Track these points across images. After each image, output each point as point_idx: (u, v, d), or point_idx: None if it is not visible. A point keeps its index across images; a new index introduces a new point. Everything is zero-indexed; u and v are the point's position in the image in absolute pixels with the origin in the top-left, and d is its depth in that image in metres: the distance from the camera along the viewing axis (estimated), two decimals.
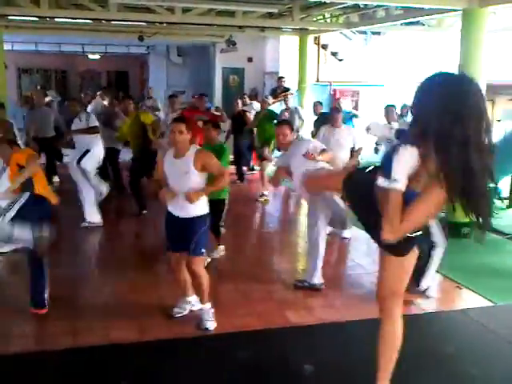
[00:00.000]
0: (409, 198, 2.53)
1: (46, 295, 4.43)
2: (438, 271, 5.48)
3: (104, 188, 7.31)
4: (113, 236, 7.13)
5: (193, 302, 4.53)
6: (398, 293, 3.02)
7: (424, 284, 4.76)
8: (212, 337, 4.15)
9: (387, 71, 14.12)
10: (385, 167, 2.55)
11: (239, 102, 10.50)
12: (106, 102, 10.49)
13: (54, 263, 4.64)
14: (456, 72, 2.55)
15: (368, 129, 6.65)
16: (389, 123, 7.71)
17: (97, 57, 16.86)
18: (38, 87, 10.86)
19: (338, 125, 7.18)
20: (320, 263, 5.07)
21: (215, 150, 5.24)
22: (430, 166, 2.45)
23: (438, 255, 4.79)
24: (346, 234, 6.64)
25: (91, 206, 6.96)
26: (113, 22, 10.63)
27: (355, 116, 10.56)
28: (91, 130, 7.08)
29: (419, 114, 2.51)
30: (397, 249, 2.81)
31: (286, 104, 10.34)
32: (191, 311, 4.51)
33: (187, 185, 4.13)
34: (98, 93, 11.75)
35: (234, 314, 4.51)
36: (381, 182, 2.55)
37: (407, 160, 2.49)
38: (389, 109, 8.24)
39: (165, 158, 4.36)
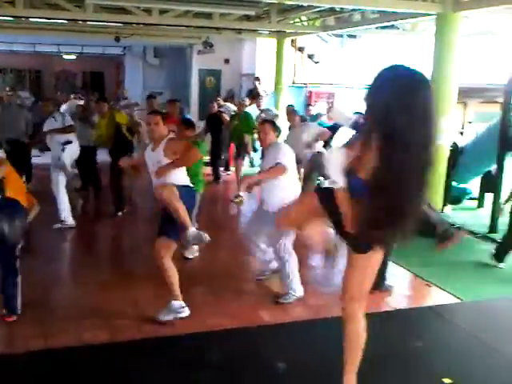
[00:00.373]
0: (354, 185, 2.60)
1: (18, 302, 4.32)
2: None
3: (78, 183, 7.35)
4: (86, 237, 7.08)
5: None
6: (364, 292, 3.07)
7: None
8: (185, 336, 4.16)
9: (362, 74, 14.30)
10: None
11: (215, 104, 10.54)
12: (81, 103, 10.43)
13: (25, 265, 4.59)
14: (411, 67, 2.52)
15: (329, 113, 6.88)
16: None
17: (72, 57, 16.72)
18: (7, 88, 10.64)
19: (295, 124, 8.02)
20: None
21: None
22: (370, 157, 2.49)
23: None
24: None
25: (66, 207, 6.94)
26: (89, 23, 10.59)
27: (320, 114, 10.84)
28: (68, 129, 7.03)
29: (369, 105, 2.54)
30: (362, 247, 2.88)
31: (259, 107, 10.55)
32: None
33: None
34: (72, 95, 11.69)
35: (207, 314, 4.52)
36: (326, 183, 2.74)
37: (336, 162, 2.61)
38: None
39: (145, 152, 4.54)
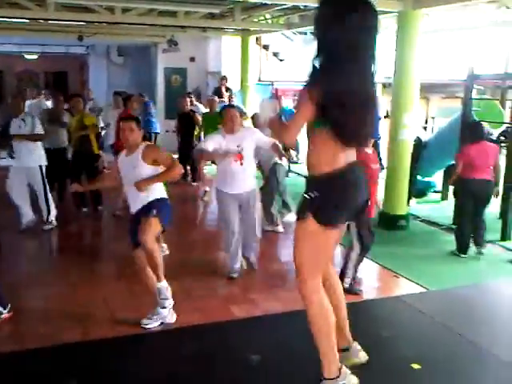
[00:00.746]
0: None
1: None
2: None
3: None
4: (57, 237, 7.04)
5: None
6: (316, 269, 3.03)
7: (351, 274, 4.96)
8: (156, 334, 4.19)
9: None
10: None
11: (187, 100, 10.26)
12: (49, 103, 10.24)
13: None
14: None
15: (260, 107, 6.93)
16: None
17: (34, 57, 16.41)
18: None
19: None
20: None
21: None
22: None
23: (352, 258, 4.96)
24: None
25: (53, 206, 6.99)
26: (51, 22, 10.41)
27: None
28: (37, 137, 6.69)
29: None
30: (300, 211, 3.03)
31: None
32: None
33: (137, 179, 4.19)
34: (43, 91, 11.45)
35: (178, 311, 4.50)
36: None
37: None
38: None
39: (119, 159, 4.47)
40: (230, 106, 6.76)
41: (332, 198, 2.93)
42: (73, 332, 4.16)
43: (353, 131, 2.91)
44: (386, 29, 10.56)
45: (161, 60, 14.01)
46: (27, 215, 6.87)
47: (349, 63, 2.82)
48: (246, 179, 5.18)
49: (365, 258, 5.27)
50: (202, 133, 9.59)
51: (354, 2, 2.84)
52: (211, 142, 5.18)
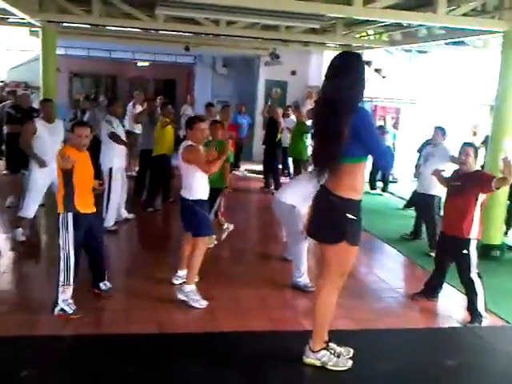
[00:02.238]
0: None
1: None
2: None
3: None
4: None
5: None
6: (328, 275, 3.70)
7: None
8: (224, 334, 4.31)
9: (431, 90, 14.06)
10: None
11: (279, 111, 10.76)
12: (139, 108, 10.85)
13: None
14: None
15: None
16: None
17: (146, 64, 17.35)
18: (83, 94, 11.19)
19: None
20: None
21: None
22: None
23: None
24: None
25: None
26: (161, 32, 10.99)
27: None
28: (122, 142, 7.20)
29: None
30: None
31: None
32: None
33: None
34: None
35: (251, 317, 4.68)
36: None
37: None
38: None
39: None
40: None
41: (354, 221, 3.50)
42: (146, 325, 4.39)
43: None
44: (496, 49, 10.12)
45: (263, 72, 14.32)
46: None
47: None
48: None
49: (450, 287, 5.23)
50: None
51: None
52: None
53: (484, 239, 6.97)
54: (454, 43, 10.23)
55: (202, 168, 4.80)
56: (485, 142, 8.71)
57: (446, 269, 5.29)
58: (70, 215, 4.43)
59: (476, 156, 5.07)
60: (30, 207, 6.38)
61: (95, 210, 4.73)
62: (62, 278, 4.39)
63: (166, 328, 4.39)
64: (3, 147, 8.78)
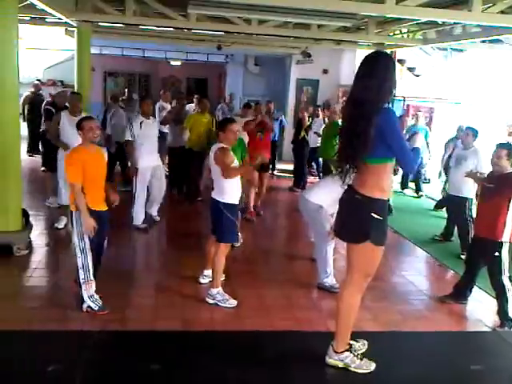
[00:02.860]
0: None
1: None
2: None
3: None
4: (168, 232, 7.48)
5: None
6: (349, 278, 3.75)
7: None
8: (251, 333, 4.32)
9: (466, 89, 13.78)
10: None
11: (305, 113, 10.92)
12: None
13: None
14: None
15: None
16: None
17: (178, 63, 17.51)
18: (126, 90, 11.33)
19: None
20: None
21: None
22: None
23: None
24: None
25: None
26: (193, 31, 11.07)
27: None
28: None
29: None
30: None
31: None
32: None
33: None
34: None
35: (277, 317, 4.70)
36: None
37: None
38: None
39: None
40: None
41: (379, 221, 3.50)
42: (172, 322, 4.43)
43: None
44: None
45: (294, 71, 14.27)
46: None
47: None
48: None
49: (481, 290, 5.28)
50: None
51: None
52: None
53: None
54: (491, 41, 10.01)
55: (223, 171, 4.76)
56: None
57: (477, 272, 5.20)
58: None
59: (510, 157, 4.95)
60: (63, 194, 6.57)
61: (107, 208, 4.67)
62: (81, 276, 4.44)
63: (191, 326, 4.43)
64: (40, 145, 8.95)
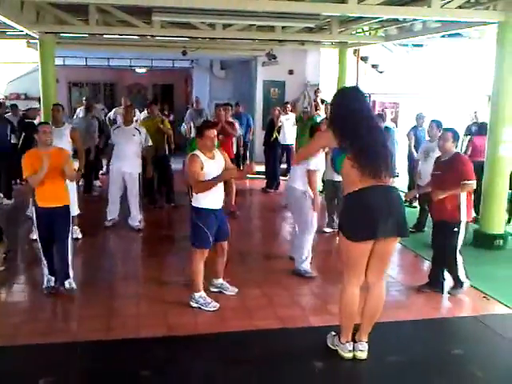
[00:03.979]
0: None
1: None
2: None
3: None
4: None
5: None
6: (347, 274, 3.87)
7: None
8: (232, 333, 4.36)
9: (428, 83, 14.09)
10: None
11: (276, 111, 10.87)
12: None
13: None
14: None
15: None
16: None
17: (143, 70, 17.43)
18: (84, 100, 11.26)
19: None
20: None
21: None
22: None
23: None
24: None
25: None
26: (157, 38, 11.05)
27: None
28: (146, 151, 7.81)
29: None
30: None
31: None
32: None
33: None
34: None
35: (259, 317, 4.76)
36: None
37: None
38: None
39: (203, 164, 4.81)
40: None
41: (350, 216, 3.74)
42: (156, 329, 4.45)
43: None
44: (493, 39, 10.16)
45: (260, 73, 14.36)
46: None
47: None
48: None
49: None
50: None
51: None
52: None
53: (486, 228, 7.05)
54: (450, 35, 10.27)
55: (190, 180, 4.84)
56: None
57: (444, 255, 5.37)
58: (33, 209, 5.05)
59: (454, 140, 5.28)
60: None
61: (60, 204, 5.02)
62: None
63: (175, 331, 4.44)
64: None
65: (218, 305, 4.90)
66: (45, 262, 5.11)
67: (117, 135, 7.57)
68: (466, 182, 5.04)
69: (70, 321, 4.66)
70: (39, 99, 10.84)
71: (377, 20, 9.43)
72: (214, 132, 4.91)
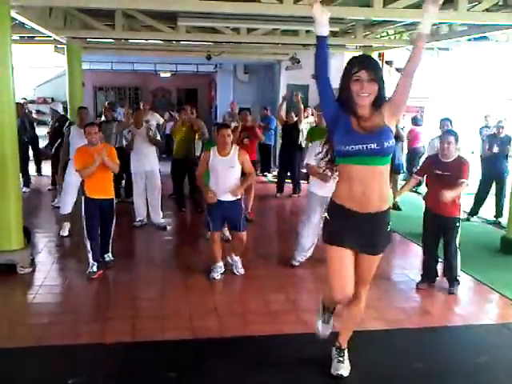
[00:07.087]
0: None
1: None
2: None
3: None
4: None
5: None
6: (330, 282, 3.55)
7: None
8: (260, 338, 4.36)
9: (454, 86, 13.95)
10: None
11: (292, 114, 10.90)
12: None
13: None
14: None
15: None
16: None
17: (168, 75, 17.58)
18: (106, 103, 11.41)
19: None
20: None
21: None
22: None
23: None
24: None
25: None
26: (182, 42, 11.14)
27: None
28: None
29: None
30: None
31: None
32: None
33: (232, 176, 5.52)
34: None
35: (285, 322, 4.74)
36: None
37: None
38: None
39: (210, 158, 5.49)
40: None
41: (329, 221, 3.45)
42: (181, 331, 4.47)
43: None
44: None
45: (284, 77, 14.36)
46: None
47: None
48: None
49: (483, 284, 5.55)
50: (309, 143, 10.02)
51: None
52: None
53: (510, 234, 6.94)
54: (476, 39, 10.14)
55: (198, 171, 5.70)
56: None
57: (437, 247, 5.61)
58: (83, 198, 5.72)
59: (457, 143, 5.34)
60: (66, 204, 7.25)
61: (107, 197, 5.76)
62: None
63: (200, 334, 4.46)
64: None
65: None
66: (89, 248, 5.68)
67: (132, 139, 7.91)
68: (464, 180, 5.14)
69: (97, 322, 4.69)
70: (65, 103, 11.02)
71: (402, 23, 9.37)
72: (228, 131, 5.46)
